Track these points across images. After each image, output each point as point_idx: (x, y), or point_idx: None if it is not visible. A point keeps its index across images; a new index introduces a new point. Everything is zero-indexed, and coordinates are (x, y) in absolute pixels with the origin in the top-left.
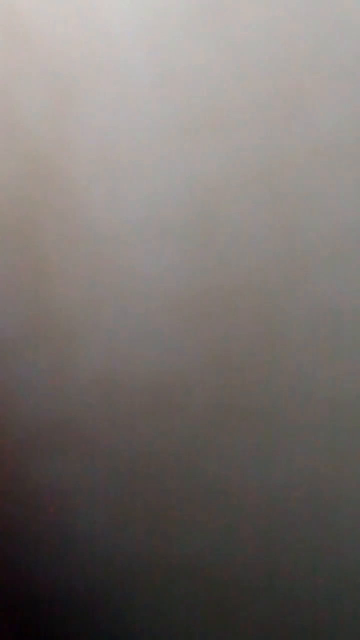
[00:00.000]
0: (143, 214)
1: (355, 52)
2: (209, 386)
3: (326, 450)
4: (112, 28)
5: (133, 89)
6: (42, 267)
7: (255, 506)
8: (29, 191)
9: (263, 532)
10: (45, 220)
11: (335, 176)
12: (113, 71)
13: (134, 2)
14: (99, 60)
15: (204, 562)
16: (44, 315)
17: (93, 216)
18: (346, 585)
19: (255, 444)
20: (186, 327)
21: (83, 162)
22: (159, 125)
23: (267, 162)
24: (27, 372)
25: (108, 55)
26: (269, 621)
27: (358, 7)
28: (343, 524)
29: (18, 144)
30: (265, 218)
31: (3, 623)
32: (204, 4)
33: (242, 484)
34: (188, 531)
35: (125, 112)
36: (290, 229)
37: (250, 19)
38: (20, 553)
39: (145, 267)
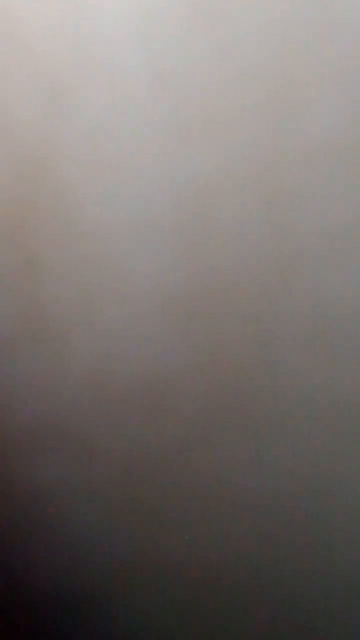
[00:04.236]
0: (136, 215)
1: (351, 53)
2: (203, 386)
3: (321, 450)
4: (107, 30)
5: (127, 90)
6: (35, 267)
7: (249, 505)
8: (22, 192)
9: (258, 531)
10: (39, 221)
11: (329, 177)
12: (107, 72)
13: (128, 3)
14: (93, 61)
15: (199, 560)
16: (37, 315)
17: (87, 217)
18: (342, 584)
19: (249, 443)
20: (180, 327)
21: (77, 163)
22: (154, 126)
23: (262, 163)
24: (21, 372)
25: (102, 56)
26: (265, 619)
27: (353, 8)
28: (338, 522)
29: (12, 146)
30: (260, 218)
31: None
32: (199, 5)
33: (236, 483)
34: (183, 530)
35: (119, 113)
36: (285, 230)
37: (245, 20)
38: (14, 552)
39: (138, 268)
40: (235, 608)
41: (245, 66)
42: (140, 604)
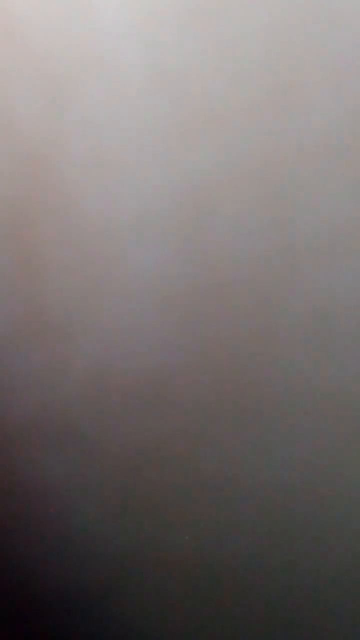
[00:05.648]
0: (137, 212)
1: (351, 53)
2: (204, 382)
3: (321, 445)
4: (107, 28)
5: (128, 88)
6: (37, 264)
7: (251, 500)
8: (24, 190)
9: (259, 526)
10: (40, 218)
11: (329, 175)
12: (108, 71)
13: (128, 2)
14: (93, 60)
15: (201, 555)
16: (39, 312)
17: (88, 214)
18: (343, 579)
19: (251, 438)
20: (181, 323)
21: (78, 161)
22: (154, 124)
23: (262, 160)
24: (23, 369)
25: (103, 55)
26: (265, 615)
27: (353, 8)
28: (339, 517)
29: (13, 144)
30: (260, 215)
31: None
32: (198, 4)
33: (237, 479)
34: (184, 525)
35: (119, 112)
36: (285, 226)
37: (245, 18)
38: (16, 548)
39: (140, 265)
40: (237, 600)
41: (246, 64)
42: (141, 596)
